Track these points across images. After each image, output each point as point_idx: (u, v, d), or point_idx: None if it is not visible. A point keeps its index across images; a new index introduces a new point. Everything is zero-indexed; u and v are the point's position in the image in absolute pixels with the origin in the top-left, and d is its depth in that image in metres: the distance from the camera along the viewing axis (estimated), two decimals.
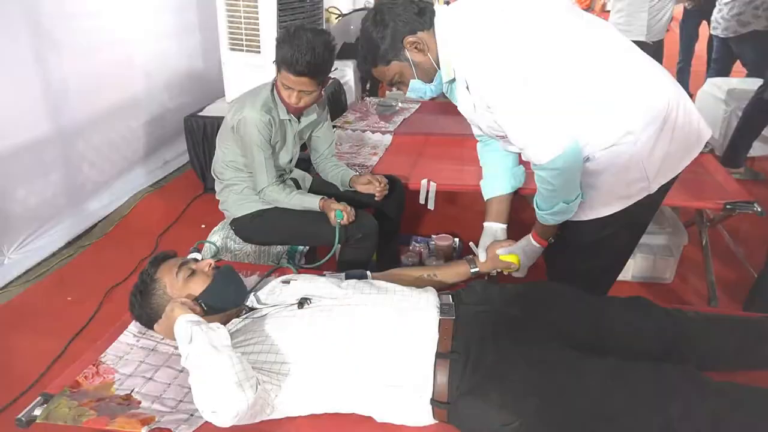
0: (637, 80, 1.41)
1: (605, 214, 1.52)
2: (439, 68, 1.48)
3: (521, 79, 1.34)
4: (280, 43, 1.81)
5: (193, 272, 1.44)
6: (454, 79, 1.49)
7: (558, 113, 1.36)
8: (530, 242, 1.66)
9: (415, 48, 1.45)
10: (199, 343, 1.15)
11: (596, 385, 1.21)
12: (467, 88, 1.45)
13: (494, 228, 1.78)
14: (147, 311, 1.43)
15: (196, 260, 1.49)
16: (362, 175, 2.17)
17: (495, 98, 1.38)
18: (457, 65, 1.43)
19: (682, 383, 1.20)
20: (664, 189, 1.51)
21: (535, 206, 1.56)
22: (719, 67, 4.38)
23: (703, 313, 1.47)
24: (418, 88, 1.53)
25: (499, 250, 1.71)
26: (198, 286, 1.42)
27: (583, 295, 1.47)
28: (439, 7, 1.47)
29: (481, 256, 1.75)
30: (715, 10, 4.06)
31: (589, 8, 12.44)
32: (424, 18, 1.44)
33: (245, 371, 1.14)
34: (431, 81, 1.51)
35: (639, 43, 3.28)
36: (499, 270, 1.75)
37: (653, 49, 3.58)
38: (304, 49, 1.75)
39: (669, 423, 1.16)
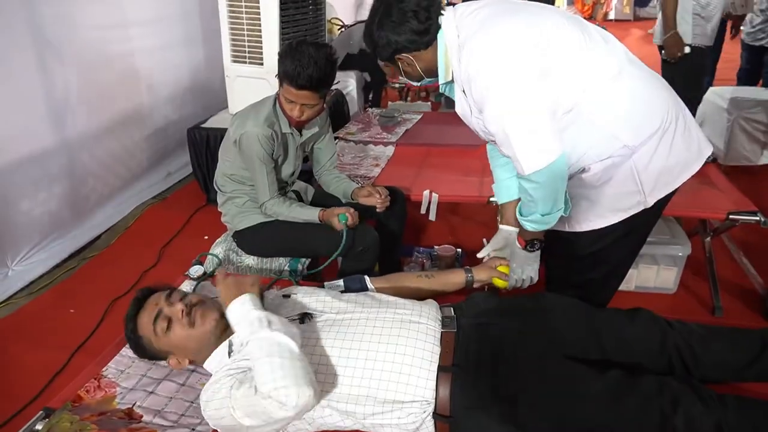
0: (634, 93, 1.41)
1: (600, 226, 1.52)
2: (425, 77, 1.54)
3: (514, 84, 1.34)
4: (283, 57, 1.82)
5: (169, 323, 1.36)
6: (452, 81, 1.50)
7: (548, 123, 1.35)
8: (515, 245, 1.64)
9: (406, 63, 1.50)
10: (288, 335, 1.18)
11: (600, 398, 1.21)
12: (463, 91, 1.46)
13: (509, 231, 1.77)
14: (149, 356, 1.45)
15: (169, 297, 1.41)
16: (364, 187, 2.18)
17: (486, 102, 1.38)
18: (456, 68, 1.44)
19: (686, 396, 1.19)
20: (662, 203, 1.51)
21: (517, 211, 1.56)
22: (748, 76, 4.42)
23: (705, 325, 1.45)
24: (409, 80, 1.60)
25: (497, 261, 1.71)
26: (179, 333, 1.36)
27: (585, 308, 1.46)
28: (446, 11, 1.46)
29: (482, 251, 1.77)
30: (760, 20, 4.08)
31: (590, 17, 12.49)
32: (426, 38, 1.44)
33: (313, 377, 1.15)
34: (419, 82, 1.59)
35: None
36: (491, 287, 1.75)
37: (703, 55, 3.47)
38: (306, 63, 1.77)
39: None
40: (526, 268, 1.65)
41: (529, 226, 1.52)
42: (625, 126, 1.40)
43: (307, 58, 1.77)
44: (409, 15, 1.42)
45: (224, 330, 1.37)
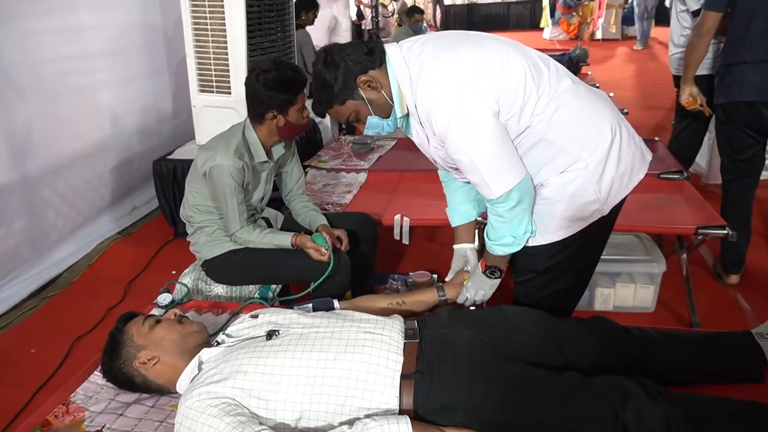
0: (581, 109, 1.62)
1: (562, 237, 1.70)
2: (393, 103, 1.64)
3: (472, 111, 1.52)
4: (274, 87, 2.06)
5: (158, 321, 1.64)
6: (408, 114, 1.67)
7: (510, 145, 1.55)
8: (478, 269, 1.83)
9: (368, 86, 1.60)
10: None
11: (555, 397, 1.38)
12: (420, 123, 1.64)
13: (464, 249, 1.97)
14: (117, 363, 1.59)
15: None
16: (327, 226, 2.31)
17: (448, 132, 1.55)
18: (410, 100, 1.61)
19: (636, 391, 1.37)
20: (616, 210, 1.71)
21: (485, 235, 1.73)
22: None
23: (662, 330, 1.64)
24: (375, 124, 1.68)
25: (465, 275, 1.89)
26: (163, 333, 1.60)
27: (545, 317, 1.65)
28: (389, 46, 1.64)
29: (449, 276, 1.95)
30: None
31: (576, 37, 13.00)
32: (374, 57, 1.60)
33: None
34: (388, 116, 1.67)
35: None
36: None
37: None
38: (300, 76, 2.11)
39: (625, 429, 1.32)
40: (479, 292, 1.84)
41: (500, 250, 1.70)
42: (578, 141, 1.60)
43: (295, 72, 2.10)
44: (350, 47, 1.62)
45: (200, 344, 1.61)
